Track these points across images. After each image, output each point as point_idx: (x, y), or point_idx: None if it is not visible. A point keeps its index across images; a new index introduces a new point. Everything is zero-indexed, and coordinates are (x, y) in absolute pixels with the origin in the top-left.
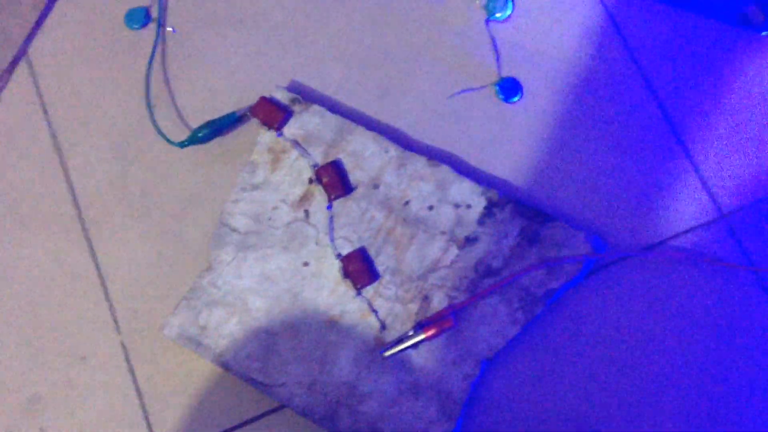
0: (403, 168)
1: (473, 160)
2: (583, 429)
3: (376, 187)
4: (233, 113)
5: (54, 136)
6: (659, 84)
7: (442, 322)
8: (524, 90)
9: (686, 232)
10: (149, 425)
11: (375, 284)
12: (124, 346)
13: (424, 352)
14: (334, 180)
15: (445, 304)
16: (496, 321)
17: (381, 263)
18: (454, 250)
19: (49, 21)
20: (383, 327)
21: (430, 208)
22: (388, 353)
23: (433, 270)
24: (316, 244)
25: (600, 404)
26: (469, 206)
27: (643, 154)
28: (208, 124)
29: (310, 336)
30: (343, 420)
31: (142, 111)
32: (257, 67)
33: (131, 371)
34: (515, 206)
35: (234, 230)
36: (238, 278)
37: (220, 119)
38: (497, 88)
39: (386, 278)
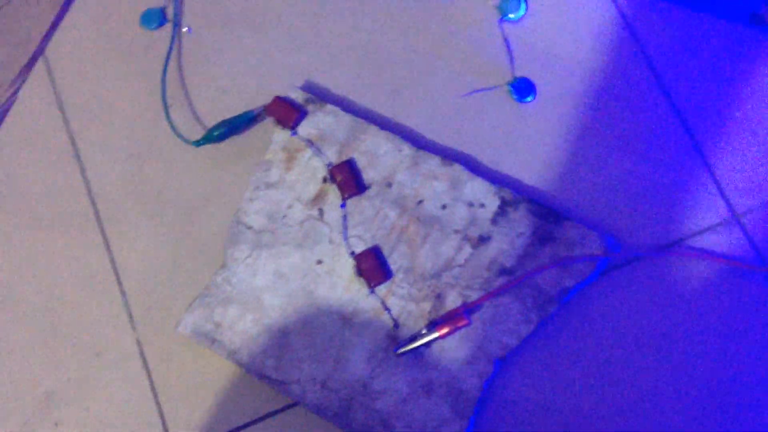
0: (417, 167)
1: (487, 159)
2: (595, 429)
3: (389, 185)
4: (248, 112)
5: (70, 134)
6: (672, 84)
7: (456, 320)
8: (537, 90)
9: (700, 232)
10: (163, 421)
11: (388, 283)
12: (139, 343)
13: (437, 351)
14: (348, 179)
15: (458, 302)
16: (510, 320)
17: (394, 262)
18: (467, 249)
19: (66, 20)
20: (396, 325)
21: (444, 207)
22: (401, 351)
23: (447, 269)
24: (330, 242)
25: (613, 404)
26: (482, 205)
27: (657, 155)
28: (224, 123)
29: (323, 334)
30: (356, 417)
31: (158, 110)
32: (272, 66)
33: (146, 367)
34: (529, 205)
35: (249, 228)
36: (253, 276)
37: (235, 118)
38: (511, 88)
39: (399, 277)
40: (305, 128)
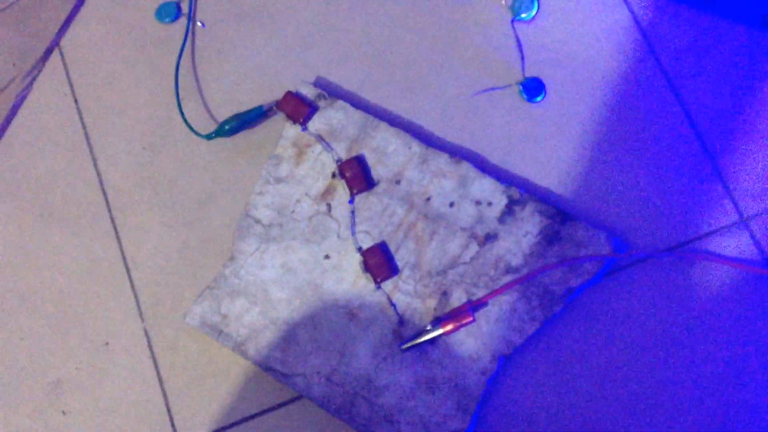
0: (426, 164)
1: (495, 158)
2: (598, 428)
3: (398, 182)
4: (260, 107)
5: (84, 126)
6: (683, 86)
7: (461, 317)
8: (548, 90)
9: (707, 234)
10: (169, 411)
11: (394, 278)
12: (146, 333)
13: (441, 347)
14: (357, 175)
15: (463, 300)
16: (515, 318)
17: (401, 258)
18: (474, 247)
19: (81, 13)
20: (401, 321)
21: (451, 204)
22: (405, 347)
23: (453, 266)
24: (338, 237)
25: (616, 404)
26: (490, 204)
27: (666, 157)
28: (235, 117)
29: (329, 328)
30: (360, 411)
31: (171, 103)
32: (284, 62)
33: (153, 357)
34: (536, 205)
35: (258, 222)
36: (261, 269)
37: (246, 113)
38: (521, 87)
39: (406, 273)
40: (316, 124)
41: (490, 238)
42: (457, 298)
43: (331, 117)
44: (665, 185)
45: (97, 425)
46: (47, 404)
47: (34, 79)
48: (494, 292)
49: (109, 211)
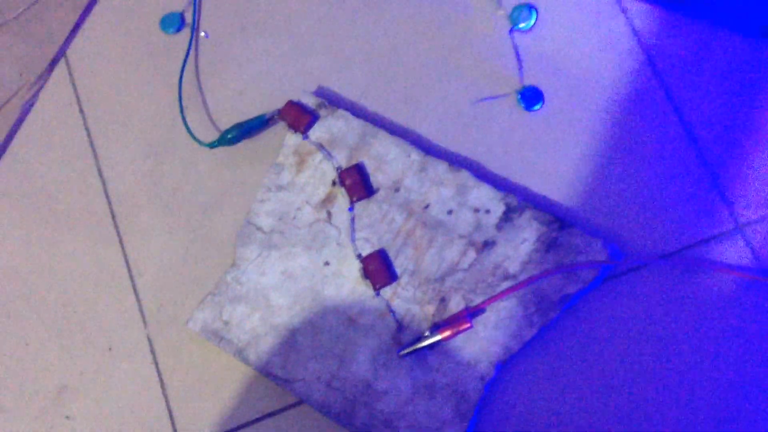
0: (424, 172)
1: (493, 166)
2: None
3: (397, 190)
4: (261, 116)
5: (89, 134)
6: (679, 95)
7: (459, 323)
8: (546, 99)
9: (703, 241)
10: (171, 416)
11: (393, 285)
12: (149, 339)
13: (440, 353)
14: (357, 182)
15: (461, 306)
16: (512, 324)
17: (400, 265)
18: (472, 254)
19: (87, 24)
20: (400, 327)
21: (450, 212)
22: (404, 352)
23: (451, 273)
24: (338, 244)
25: (612, 411)
26: (488, 211)
27: (662, 164)
28: (237, 126)
29: (329, 333)
30: (360, 416)
31: (174, 112)
32: (285, 71)
33: (156, 363)
34: (533, 212)
35: (259, 229)
36: (262, 275)
37: (248, 121)
38: (519, 96)
39: (404, 279)
40: (317, 132)
41: (488, 245)
42: (456, 305)
43: (331, 126)
44: (661, 193)
45: (101, 430)
46: (51, 409)
47: (40, 88)
48: (492, 299)
49: (113, 218)
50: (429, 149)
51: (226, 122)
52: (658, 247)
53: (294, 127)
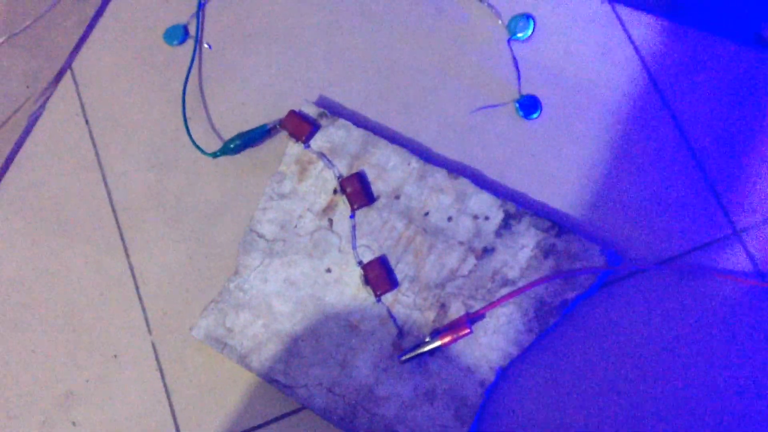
0: (424, 180)
1: (492, 173)
2: None
3: (397, 197)
4: (263, 126)
5: (94, 145)
6: (676, 101)
7: (459, 329)
8: (543, 107)
9: (700, 247)
10: (175, 421)
11: (394, 291)
12: (154, 346)
13: (440, 358)
14: (358, 190)
15: (461, 312)
16: (512, 330)
17: (400, 271)
18: (471, 260)
19: (92, 37)
20: (401, 333)
21: (449, 219)
22: (405, 358)
23: (451, 279)
24: (339, 251)
25: (611, 415)
26: (487, 218)
27: (659, 171)
28: (240, 136)
29: (330, 340)
30: (361, 422)
31: (178, 122)
32: (287, 82)
33: (160, 370)
34: (532, 219)
35: (261, 237)
36: (264, 283)
37: (251, 131)
38: (517, 105)
39: (405, 286)
40: (318, 141)
41: (487, 251)
42: (456, 311)
43: (332, 135)
44: (659, 199)
45: None
46: (58, 415)
47: (46, 100)
48: (491, 305)
49: (119, 227)
50: (429, 157)
51: (228, 132)
52: (656, 253)
53: (295, 136)
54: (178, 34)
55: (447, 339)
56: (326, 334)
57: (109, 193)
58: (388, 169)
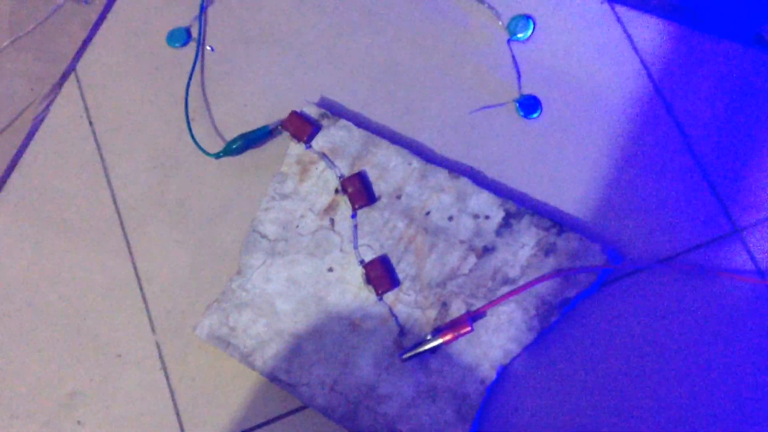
0: (425, 180)
1: (493, 173)
2: None
3: (398, 197)
4: (265, 126)
5: (98, 147)
6: (675, 101)
7: (460, 327)
8: (543, 107)
9: (701, 245)
10: (179, 420)
11: (396, 290)
12: (158, 345)
13: (441, 357)
14: (359, 190)
15: (462, 310)
16: (513, 328)
17: (402, 270)
18: (472, 259)
19: (96, 39)
20: (402, 331)
21: (450, 218)
22: (406, 356)
23: (452, 278)
24: (341, 251)
25: (612, 413)
26: (487, 217)
27: (659, 170)
28: (242, 137)
29: (332, 338)
30: (363, 420)
31: (181, 124)
32: (289, 83)
33: (164, 369)
34: (532, 218)
35: (264, 237)
36: (267, 282)
37: (253, 132)
38: (517, 104)
39: (406, 285)
40: (319, 142)
41: (487, 250)
42: (457, 309)
43: (334, 135)
44: (659, 197)
45: None
46: (62, 414)
47: (51, 102)
48: (492, 303)
49: (123, 228)
50: (429, 157)
51: (231, 133)
52: (656, 251)
53: (297, 137)
54: (180, 37)
55: (448, 337)
56: (328, 333)
57: (113, 194)
58: (389, 169)
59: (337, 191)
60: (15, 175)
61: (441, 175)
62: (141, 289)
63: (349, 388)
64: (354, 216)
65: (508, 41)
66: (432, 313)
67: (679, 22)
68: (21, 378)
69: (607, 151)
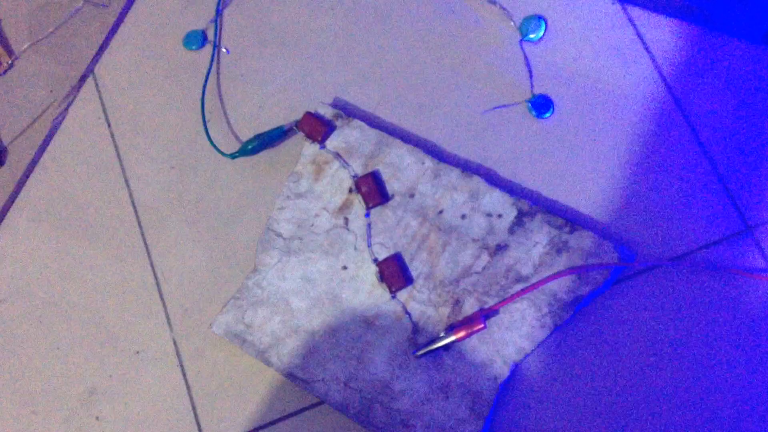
0: (438, 179)
1: (505, 172)
2: None
3: (411, 196)
4: (280, 127)
5: (116, 148)
6: (687, 100)
7: (473, 324)
8: (556, 107)
9: (713, 243)
10: (196, 416)
11: (409, 288)
12: (175, 342)
13: (455, 354)
14: (373, 189)
15: (476, 308)
16: (525, 325)
17: (415, 268)
18: (485, 257)
19: (114, 42)
20: (416, 329)
21: (463, 216)
22: (419, 353)
23: (465, 276)
24: (355, 249)
25: (624, 410)
26: (500, 215)
27: (671, 168)
28: (257, 137)
29: (347, 335)
30: (377, 416)
31: (197, 125)
32: (303, 84)
33: (181, 365)
34: (545, 216)
35: (279, 235)
36: (282, 280)
37: (268, 132)
38: (530, 104)
39: (420, 283)
40: (333, 142)
41: (500, 248)
42: (470, 307)
43: (348, 135)
44: (671, 196)
45: (129, 430)
46: (82, 410)
47: (69, 104)
48: (505, 301)
49: (140, 227)
50: (442, 156)
51: (246, 134)
52: (668, 250)
53: (311, 137)
54: (197, 39)
55: (461, 334)
56: (343, 330)
57: (130, 194)
58: (402, 168)
59: (350, 190)
60: (34, 177)
61: (454, 174)
62: (158, 287)
63: (363, 384)
64: (368, 215)
65: (520, 41)
66: (445, 311)
67: (690, 21)
68: (42, 375)
69: (618, 150)
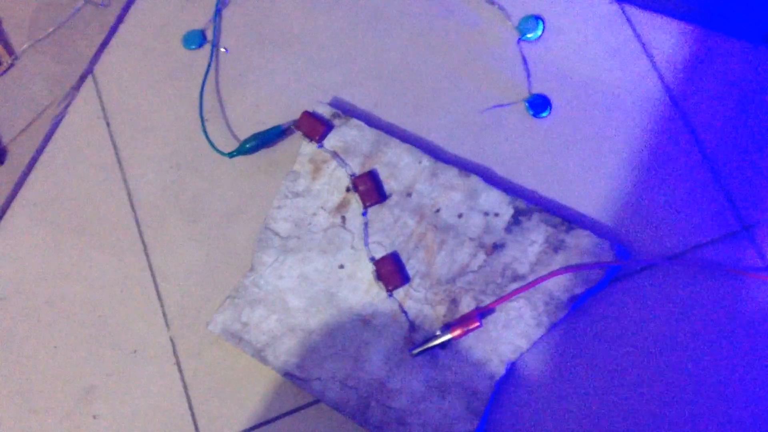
0: (435, 178)
1: (503, 171)
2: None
3: (409, 195)
4: (278, 126)
5: (115, 147)
6: (684, 99)
7: (469, 323)
8: (553, 106)
9: (709, 242)
10: (193, 414)
11: (406, 287)
12: (172, 341)
13: (451, 352)
14: (370, 188)
15: (472, 306)
16: (521, 324)
17: (412, 267)
18: (481, 256)
19: (114, 42)
20: (413, 327)
21: (460, 215)
22: (416, 351)
23: (462, 274)
24: (352, 248)
25: (620, 409)
26: (497, 214)
27: (668, 167)
28: (255, 136)
29: (344, 334)
30: (374, 414)
31: (196, 124)
32: (301, 84)
33: (178, 364)
34: (541, 215)
35: (276, 234)
36: (279, 279)
37: (266, 132)
38: (527, 104)
39: (416, 281)
40: (331, 141)
41: (497, 247)
42: (466, 305)
43: (345, 134)
44: (668, 195)
45: (126, 428)
46: (80, 408)
47: (69, 103)
48: (501, 299)
49: (139, 226)
50: (440, 156)
51: (244, 133)
52: (664, 248)
53: (309, 136)
54: (196, 39)
55: (457, 332)
56: (339, 329)
57: (129, 193)
58: (400, 167)
59: (348, 189)
60: (33, 175)
61: (451, 173)
62: (156, 285)
63: (360, 382)
64: (365, 214)
65: (518, 41)
66: (441, 310)
67: (688, 20)
68: (40, 373)
69: (615, 149)
